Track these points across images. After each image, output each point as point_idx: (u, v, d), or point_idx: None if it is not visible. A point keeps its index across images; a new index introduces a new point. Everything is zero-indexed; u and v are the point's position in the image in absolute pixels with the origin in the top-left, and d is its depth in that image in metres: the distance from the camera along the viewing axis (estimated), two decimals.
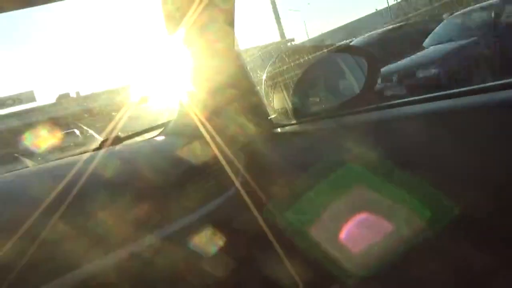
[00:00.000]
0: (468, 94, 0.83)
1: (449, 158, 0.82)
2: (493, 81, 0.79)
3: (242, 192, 1.23)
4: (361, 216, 1.01)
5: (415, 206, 0.87)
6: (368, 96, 1.21)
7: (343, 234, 1.07)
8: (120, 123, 1.20)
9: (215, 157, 1.24)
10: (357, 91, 1.26)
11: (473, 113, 0.80)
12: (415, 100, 0.95)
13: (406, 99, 0.98)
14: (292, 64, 1.33)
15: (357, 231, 1.03)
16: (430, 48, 6.67)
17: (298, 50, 1.39)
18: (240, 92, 1.36)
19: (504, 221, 0.76)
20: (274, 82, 1.38)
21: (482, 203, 0.77)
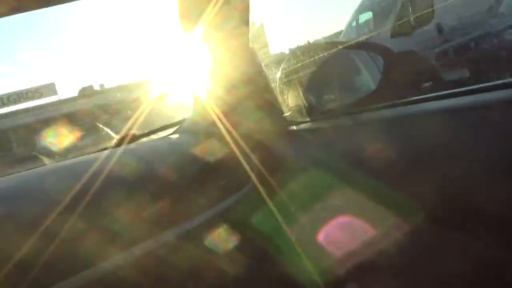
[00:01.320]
0: (488, 90, 0.81)
1: (467, 155, 0.81)
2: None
3: (258, 189, 1.23)
4: (377, 213, 1.00)
5: (432, 202, 0.86)
6: (384, 93, 1.20)
7: (358, 232, 1.06)
8: (138, 120, 1.22)
9: (230, 155, 1.25)
10: (373, 88, 1.25)
11: (493, 110, 0.78)
12: (431, 97, 0.94)
13: (422, 96, 0.97)
14: (307, 61, 1.33)
15: (374, 228, 1.02)
16: None
17: (313, 47, 1.38)
18: (255, 90, 1.36)
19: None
20: (288, 80, 1.38)
21: (492, 201, 0.76)
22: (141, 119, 1.21)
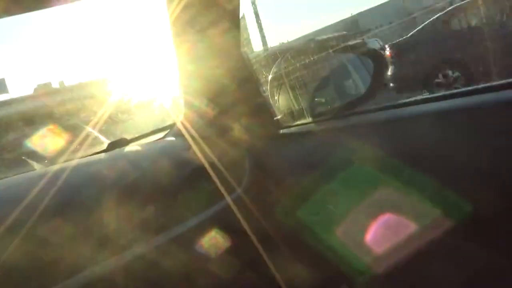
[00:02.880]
0: (475, 93, 0.83)
1: (457, 157, 0.82)
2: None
3: (249, 193, 1.23)
4: (370, 216, 1.00)
5: (425, 205, 0.87)
6: (374, 96, 1.21)
7: (351, 234, 1.07)
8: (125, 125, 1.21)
9: (221, 159, 1.24)
10: (363, 91, 1.26)
11: (480, 112, 0.80)
12: (421, 100, 0.95)
13: (412, 99, 0.98)
14: (298, 64, 1.33)
15: (366, 230, 1.03)
16: None
17: (304, 50, 1.38)
18: (246, 93, 1.36)
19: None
20: (279, 83, 1.38)
21: (492, 202, 0.77)
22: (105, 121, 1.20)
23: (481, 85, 0.82)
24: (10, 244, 0.84)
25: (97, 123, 1.21)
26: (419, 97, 0.97)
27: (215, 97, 1.34)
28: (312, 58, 1.31)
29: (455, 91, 0.86)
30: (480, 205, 0.78)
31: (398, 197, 0.92)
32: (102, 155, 1.29)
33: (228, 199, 1.20)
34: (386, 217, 0.96)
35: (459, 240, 0.86)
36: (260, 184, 1.27)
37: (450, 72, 5.65)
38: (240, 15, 1.26)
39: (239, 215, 1.19)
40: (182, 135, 1.45)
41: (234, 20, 1.24)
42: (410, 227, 0.91)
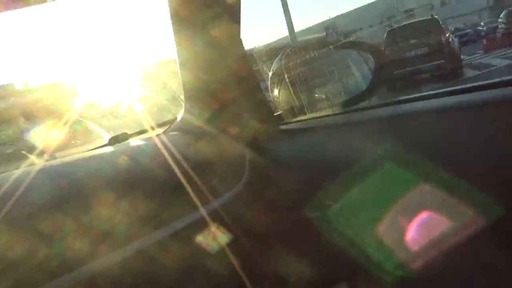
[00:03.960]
0: (474, 90, 0.82)
1: (458, 155, 0.82)
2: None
3: (248, 189, 1.23)
4: (372, 212, 1.00)
5: (426, 202, 0.87)
6: (375, 92, 1.21)
7: (352, 231, 1.07)
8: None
9: (222, 154, 1.24)
10: (364, 87, 1.26)
11: (480, 109, 0.79)
12: (422, 96, 0.95)
13: (413, 96, 0.98)
14: (298, 60, 1.33)
15: (367, 227, 1.03)
16: None
17: (304, 46, 1.38)
18: (246, 89, 1.36)
19: None
20: (280, 79, 1.38)
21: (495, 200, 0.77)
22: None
23: (485, 82, 0.82)
24: (9, 238, 0.84)
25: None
26: (420, 94, 0.97)
27: (215, 93, 1.34)
28: (313, 54, 1.31)
29: (459, 87, 0.86)
30: (484, 203, 0.78)
31: (399, 194, 0.92)
32: (103, 149, 1.29)
33: (228, 194, 1.21)
34: (388, 214, 0.96)
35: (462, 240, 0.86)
36: (260, 180, 1.27)
37: None
38: None
39: (239, 211, 1.19)
40: (182, 131, 1.45)
41: (235, 16, 1.24)
42: (413, 225, 0.91)
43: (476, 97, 0.82)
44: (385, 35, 8.97)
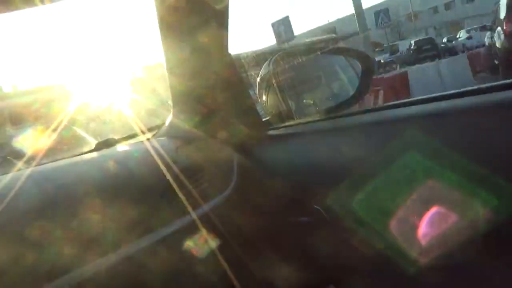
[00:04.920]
0: (464, 96, 0.84)
1: (445, 161, 0.83)
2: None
3: (237, 194, 1.23)
4: (360, 217, 1.01)
5: (415, 207, 0.87)
6: (361, 97, 1.22)
7: (339, 235, 1.07)
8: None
9: (209, 159, 1.24)
10: (351, 93, 1.27)
11: (469, 114, 0.80)
12: (410, 102, 0.96)
13: (401, 101, 0.99)
14: (286, 66, 1.34)
15: (354, 232, 1.03)
16: None
17: (292, 52, 1.39)
18: (234, 94, 1.36)
19: None
20: (268, 84, 1.39)
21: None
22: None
23: (474, 87, 0.82)
24: None
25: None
26: (407, 100, 0.98)
27: (203, 98, 1.34)
28: (300, 60, 1.32)
29: (448, 92, 0.87)
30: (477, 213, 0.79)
31: (386, 199, 0.93)
32: (90, 155, 1.29)
33: (216, 200, 1.20)
34: (377, 217, 0.96)
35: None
36: (248, 185, 1.27)
37: None
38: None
39: (227, 216, 1.19)
40: (170, 136, 1.45)
41: (223, 21, 1.24)
42: (406, 227, 0.92)
43: (464, 102, 0.83)
44: None
